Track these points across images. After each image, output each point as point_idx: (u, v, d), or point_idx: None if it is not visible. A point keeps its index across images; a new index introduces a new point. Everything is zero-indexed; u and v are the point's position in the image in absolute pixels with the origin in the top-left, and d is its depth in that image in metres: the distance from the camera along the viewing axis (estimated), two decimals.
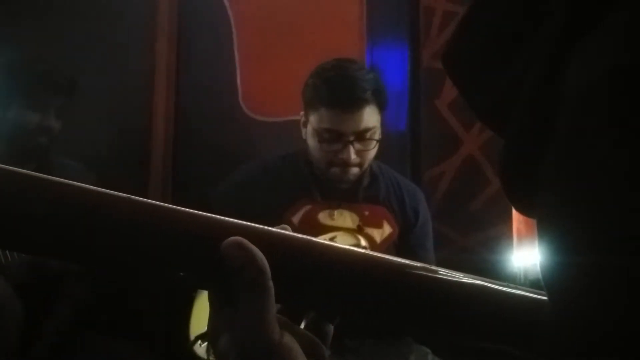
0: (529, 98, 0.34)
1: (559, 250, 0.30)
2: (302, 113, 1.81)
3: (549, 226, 0.31)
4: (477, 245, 2.32)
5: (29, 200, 0.40)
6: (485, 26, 0.38)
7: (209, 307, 0.46)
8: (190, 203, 0.46)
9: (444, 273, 0.47)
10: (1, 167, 0.40)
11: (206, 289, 0.47)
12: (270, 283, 0.42)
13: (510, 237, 2.13)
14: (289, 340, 0.42)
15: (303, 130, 1.81)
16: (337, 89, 1.71)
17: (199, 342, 1.78)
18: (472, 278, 0.47)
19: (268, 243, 0.43)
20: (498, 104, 0.37)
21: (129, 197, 0.42)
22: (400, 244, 1.82)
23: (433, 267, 0.47)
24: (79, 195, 0.41)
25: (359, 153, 1.74)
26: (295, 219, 1.77)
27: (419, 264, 0.47)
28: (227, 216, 0.45)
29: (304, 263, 0.44)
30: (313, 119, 1.75)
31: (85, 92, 2.15)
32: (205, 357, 1.74)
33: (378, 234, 1.80)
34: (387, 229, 1.82)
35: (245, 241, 0.42)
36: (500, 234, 2.22)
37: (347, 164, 1.74)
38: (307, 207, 1.79)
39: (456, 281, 0.47)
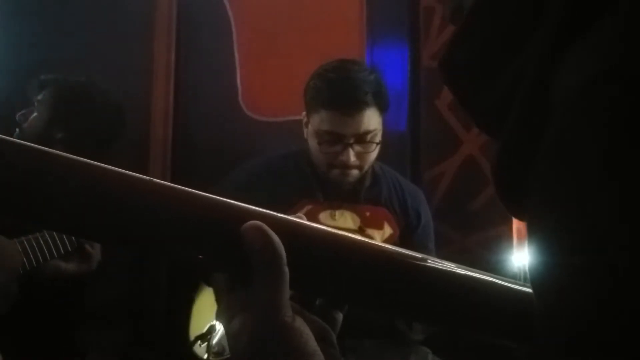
0: (521, 105, 0.35)
1: (545, 251, 0.31)
2: (304, 113, 1.81)
3: (537, 228, 0.32)
4: (477, 245, 2.32)
5: (51, 178, 0.41)
6: (480, 35, 0.40)
7: (224, 289, 0.47)
8: None
9: (458, 267, 0.47)
10: (29, 145, 0.41)
11: (222, 271, 0.48)
12: (286, 268, 0.43)
13: (510, 237, 2.13)
14: (300, 323, 0.44)
15: (305, 131, 1.81)
16: (337, 91, 1.70)
17: (199, 342, 1.78)
18: (481, 273, 0.48)
19: (286, 230, 0.45)
20: (493, 109, 0.38)
21: (151, 180, 0.43)
22: (402, 245, 1.80)
23: (443, 261, 0.48)
24: (102, 175, 0.42)
25: (358, 155, 1.73)
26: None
27: (429, 257, 0.48)
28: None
29: (319, 251, 0.45)
30: (313, 120, 1.74)
31: None
32: (205, 357, 1.74)
33: (379, 235, 1.80)
34: (387, 230, 1.81)
35: (264, 225, 0.43)
36: (500, 234, 2.22)
37: (346, 166, 1.74)
38: (309, 207, 1.79)
39: (467, 275, 0.47)
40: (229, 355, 1.75)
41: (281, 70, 2.38)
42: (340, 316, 0.51)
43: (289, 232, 0.45)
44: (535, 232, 0.32)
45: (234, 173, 1.91)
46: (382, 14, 2.44)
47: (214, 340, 1.76)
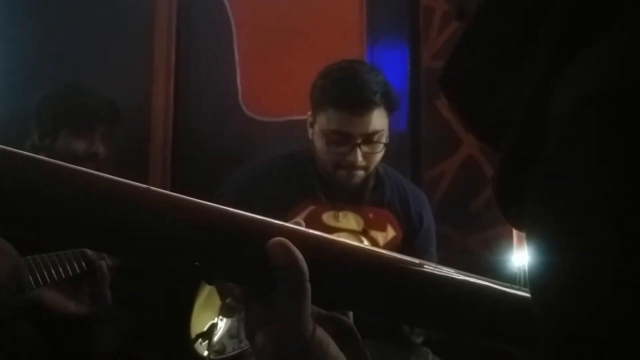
0: (519, 120, 0.36)
1: (543, 254, 0.32)
2: (309, 113, 1.80)
3: (535, 232, 0.33)
4: (477, 246, 2.32)
5: (50, 187, 0.41)
6: (478, 51, 0.40)
7: (243, 304, 0.49)
8: None
9: (451, 272, 0.48)
10: (25, 154, 0.41)
11: (243, 285, 0.49)
12: (308, 284, 0.44)
13: (510, 237, 2.13)
14: (320, 333, 0.45)
15: (310, 131, 1.80)
16: (346, 90, 1.69)
17: (200, 340, 1.78)
18: (477, 277, 0.48)
19: (308, 244, 0.45)
20: (491, 125, 0.39)
21: (148, 188, 0.43)
22: (404, 248, 1.80)
23: (441, 266, 0.48)
24: (98, 183, 0.42)
25: (365, 156, 1.72)
26: (299, 218, 1.75)
27: (428, 263, 0.48)
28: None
29: (339, 265, 0.46)
30: (321, 120, 1.73)
31: None
32: (206, 355, 1.74)
33: (382, 237, 1.80)
34: (390, 233, 1.81)
35: (289, 242, 0.44)
36: (500, 234, 2.22)
37: (353, 167, 1.73)
38: (312, 208, 1.78)
39: (464, 280, 0.47)
40: (230, 354, 1.76)
41: (281, 70, 2.38)
42: (350, 313, 0.53)
43: (311, 246, 0.45)
44: (533, 236, 0.33)
45: (237, 173, 1.91)
46: (382, 14, 2.45)
47: (215, 339, 1.77)
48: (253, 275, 0.45)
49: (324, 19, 2.42)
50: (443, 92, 0.43)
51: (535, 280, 0.33)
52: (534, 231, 0.33)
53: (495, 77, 0.38)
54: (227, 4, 2.45)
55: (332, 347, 0.45)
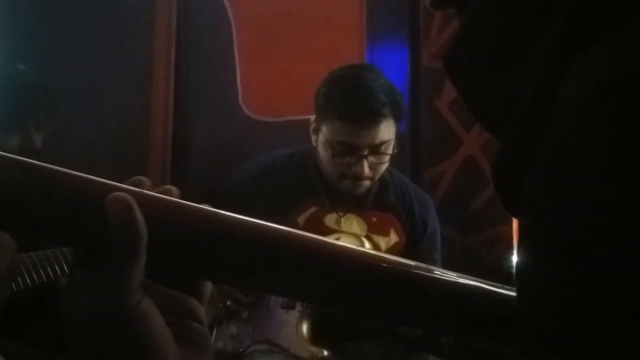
0: (524, 109, 0.35)
1: (529, 251, 0.32)
2: (312, 118, 1.75)
3: (524, 230, 0.33)
4: (477, 245, 2.32)
5: (32, 188, 0.40)
6: (486, 32, 0.39)
7: (71, 265, 0.44)
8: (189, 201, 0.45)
9: (438, 272, 0.47)
10: (7, 155, 0.41)
11: (71, 245, 0.45)
12: (144, 250, 0.40)
13: (510, 237, 2.13)
14: (147, 304, 0.41)
15: (313, 137, 1.76)
16: (353, 101, 1.63)
17: None
18: (466, 278, 0.48)
19: (157, 207, 0.42)
20: (497, 108, 0.38)
21: (141, 191, 0.43)
22: (407, 254, 1.77)
23: (427, 266, 0.47)
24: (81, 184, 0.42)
25: (372, 166, 1.69)
26: (301, 219, 1.74)
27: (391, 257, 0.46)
28: (233, 212, 0.44)
29: (188, 229, 0.42)
30: (326, 129, 1.68)
31: (84, 93, 2.16)
32: None
33: (384, 242, 1.77)
34: (393, 238, 1.78)
35: (131, 199, 0.40)
36: (500, 234, 2.22)
37: (359, 178, 1.69)
38: (314, 209, 1.76)
39: (449, 281, 0.47)
40: (229, 354, 1.75)
41: (281, 71, 2.38)
42: (207, 286, 0.49)
43: (155, 210, 0.41)
44: (522, 233, 0.33)
45: (238, 172, 1.89)
46: (382, 14, 2.45)
47: (214, 339, 1.76)
48: (86, 234, 0.41)
49: (324, 19, 2.42)
50: (446, 73, 0.42)
51: (524, 284, 0.33)
52: (524, 227, 0.33)
53: (502, 63, 0.37)
54: (227, 4, 2.45)
55: (158, 320, 0.42)
